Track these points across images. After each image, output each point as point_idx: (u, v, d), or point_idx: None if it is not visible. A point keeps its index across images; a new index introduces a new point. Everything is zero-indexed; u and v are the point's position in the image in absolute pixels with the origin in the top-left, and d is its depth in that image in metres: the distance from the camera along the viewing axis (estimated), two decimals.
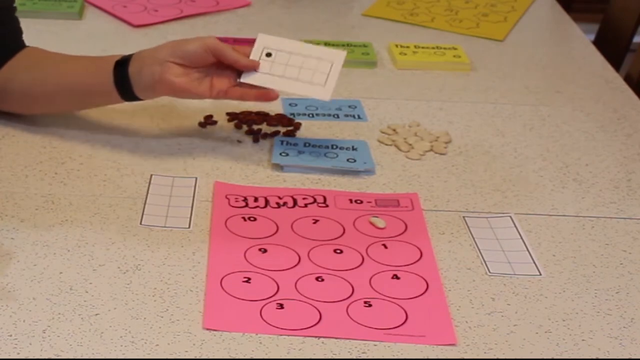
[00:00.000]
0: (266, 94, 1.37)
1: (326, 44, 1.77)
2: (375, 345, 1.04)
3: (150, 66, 1.33)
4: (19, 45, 1.46)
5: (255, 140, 1.45)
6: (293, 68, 1.37)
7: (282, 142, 1.43)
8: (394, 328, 1.06)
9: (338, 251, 1.19)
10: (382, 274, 1.15)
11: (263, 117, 1.51)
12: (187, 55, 1.33)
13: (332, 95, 1.37)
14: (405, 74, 1.73)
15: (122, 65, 1.36)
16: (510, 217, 1.29)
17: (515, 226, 1.27)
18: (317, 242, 1.21)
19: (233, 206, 1.27)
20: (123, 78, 1.35)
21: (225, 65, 1.36)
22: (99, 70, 1.38)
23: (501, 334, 1.07)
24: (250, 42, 1.40)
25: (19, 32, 1.47)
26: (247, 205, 1.27)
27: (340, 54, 1.39)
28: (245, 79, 1.36)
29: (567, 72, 1.79)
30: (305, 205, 1.28)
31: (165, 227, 1.22)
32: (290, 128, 1.49)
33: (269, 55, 1.37)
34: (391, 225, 1.25)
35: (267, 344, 1.03)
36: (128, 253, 1.17)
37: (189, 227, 1.23)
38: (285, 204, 1.28)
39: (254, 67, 1.36)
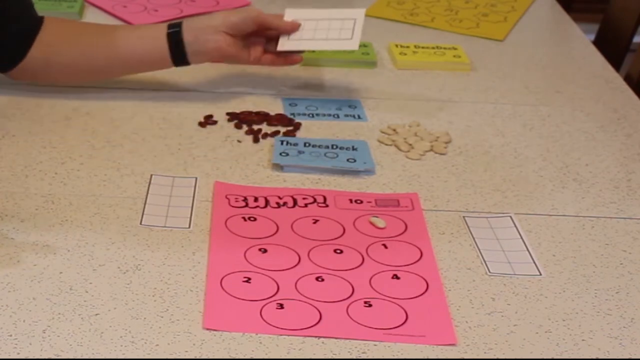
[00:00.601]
0: (291, 58, 1.53)
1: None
2: (375, 345, 1.04)
3: (206, 35, 1.47)
4: (37, 19, 1.49)
5: (255, 140, 1.45)
6: (321, 31, 1.52)
7: (282, 142, 1.43)
8: (394, 328, 1.06)
9: (338, 251, 1.19)
10: (382, 274, 1.15)
11: (263, 117, 1.51)
12: (236, 25, 1.47)
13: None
14: (405, 74, 1.73)
15: (174, 34, 1.47)
16: (510, 217, 1.29)
17: (515, 226, 1.27)
18: (317, 242, 1.21)
19: (233, 206, 1.27)
20: (178, 46, 1.47)
21: (257, 36, 1.50)
22: (151, 39, 1.49)
23: (501, 334, 1.07)
24: None
25: (32, 7, 1.50)
26: (247, 205, 1.27)
27: (360, 12, 1.55)
28: (282, 47, 1.51)
29: (567, 72, 1.79)
30: (305, 205, 1.28)
31: (165, 227, 1.22)
32: (290, 128, 1.49)
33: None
34: (391, 225, 1.25)
35: (267, 344, 1.03)
36: (128, 253, 1.17)
37: (189, 227, 1.23)
38: (285, 204, 1.28)
39: (294, 28, 1.51)
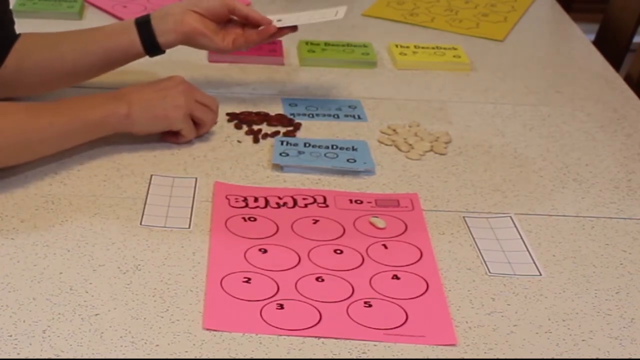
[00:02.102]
0: (266, 29, 1.48)
1: (326, 44, 1.77)
2: (375, 345, 1.04)
3: (173, 14, 1.46)
4: (15, 34, 1.48)
5: (255, 141, 1.45)
6: (304, 18, 1.51)
7: (282, 142, 1.43)
8: (394, 328, 1.06)
9: (338, 251, 1.19)
10: (382, 274, 1.15)
11: (263, 117, 1.51)
12: (206, 7, 1.47)
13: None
14: (405, 74, 1.73)
15: (142, 19, 1.46)
16: (510, 217, 1.29)
17: (515, 226, 1.27)
18: (317, 242, 1.21)
19: (233, 206, 1.27)
20: (146, 28, 1.45)
21: (234, 27, 1.49)
22: (120, 27, 1.47)
23: (501, 334, 1.07)
24: None
25: (12, 22, 1.48)
26: (247, 205, 1.27)
27: (341, 8, 1.52)
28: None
29: (567, 72, 1.79)
30: (305, 206, 1.28)
31: (165, 227, 1.22)
32: (290, 128, 1.49)
33: (279, 21, 1.49)
34: (391, 226, 1.25)
35: (267, 344, 1.03)
36: (128, 253, 1.17)
37: (189, 227, 1.23)
38: (285, 204, 1.28)
39: (265, 21, 1.48)
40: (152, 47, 1.45)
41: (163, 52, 1.47)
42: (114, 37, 1.46)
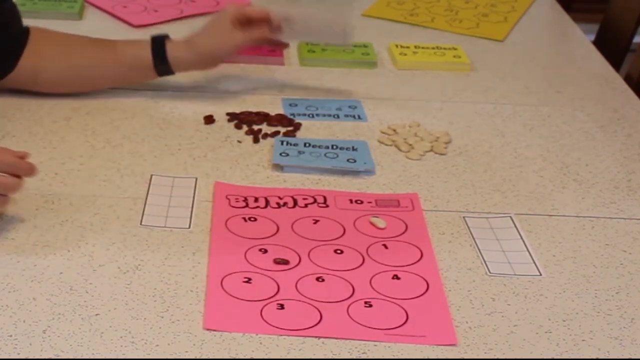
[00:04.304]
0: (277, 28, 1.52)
1: (326, 44, 1.77)
2: (375, 345, 1.04)
3: (187, 43, 1.51)
4: (25, 30, 1.49)
5: (255, 141, 1.45)
6: (313, 30, 1.54)
7: (282, 142, 1.43)
8: (394, 328, 1.06)
9: (338, 251, 1.19)
10: (382, 274, 1.15)
11: (263, 117, 1.51)
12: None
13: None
14: (405, 74, 1.73)
15: (157, 36, 1.51)
16: (510, 217, 1.29)
17: (515, 226, 1.27)
18: (318, 242, 1.21)
19: (233, 206, 1.27)
20: (161, 49, 1.49)
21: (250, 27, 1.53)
22: (137, 42, 1.52)
23: (501, 334, 1.07)
24: None
25: (21, 19, 1.49)
26: (247, 205, 1.27)
27: (348, 28, 1.54)
28: (286, 38, 1.55)
29: (567, 72, 1.79)
30: (306, 206, 1.28)
31: (165, 227, 1.22)
32: (291, 128, 1.49)
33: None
34: (391, 226, 1.25)
35: (268, 344, 1.03)
36: (128, 253, 1.17)
37: (189, 227, 1.23)
38: (285, 204, 1.28)
39: (266, 15, 1.51)
40: (161, 60, 1.50)
41: (173, 73, 1.52)
42: (132, 50, 1.50)
